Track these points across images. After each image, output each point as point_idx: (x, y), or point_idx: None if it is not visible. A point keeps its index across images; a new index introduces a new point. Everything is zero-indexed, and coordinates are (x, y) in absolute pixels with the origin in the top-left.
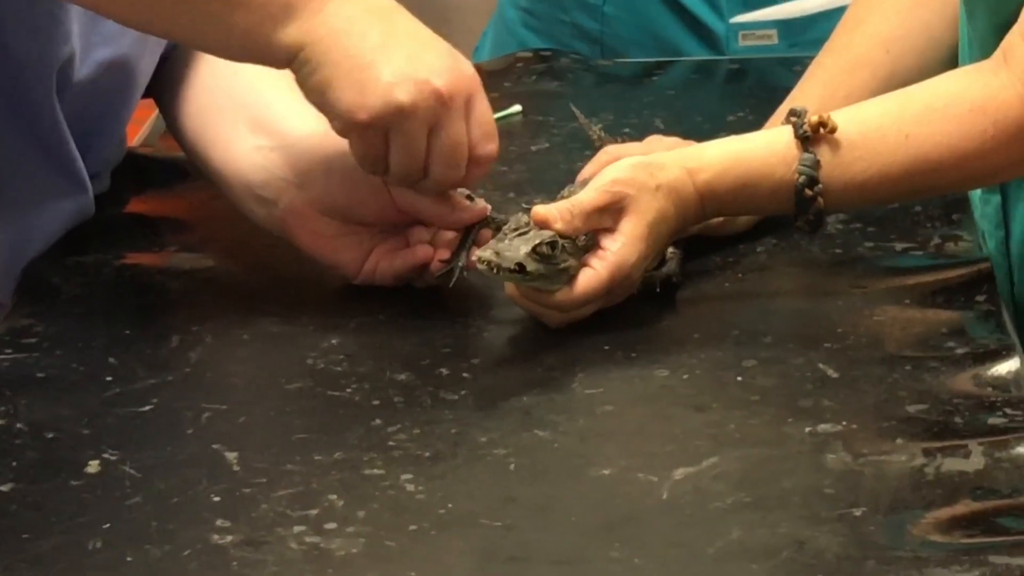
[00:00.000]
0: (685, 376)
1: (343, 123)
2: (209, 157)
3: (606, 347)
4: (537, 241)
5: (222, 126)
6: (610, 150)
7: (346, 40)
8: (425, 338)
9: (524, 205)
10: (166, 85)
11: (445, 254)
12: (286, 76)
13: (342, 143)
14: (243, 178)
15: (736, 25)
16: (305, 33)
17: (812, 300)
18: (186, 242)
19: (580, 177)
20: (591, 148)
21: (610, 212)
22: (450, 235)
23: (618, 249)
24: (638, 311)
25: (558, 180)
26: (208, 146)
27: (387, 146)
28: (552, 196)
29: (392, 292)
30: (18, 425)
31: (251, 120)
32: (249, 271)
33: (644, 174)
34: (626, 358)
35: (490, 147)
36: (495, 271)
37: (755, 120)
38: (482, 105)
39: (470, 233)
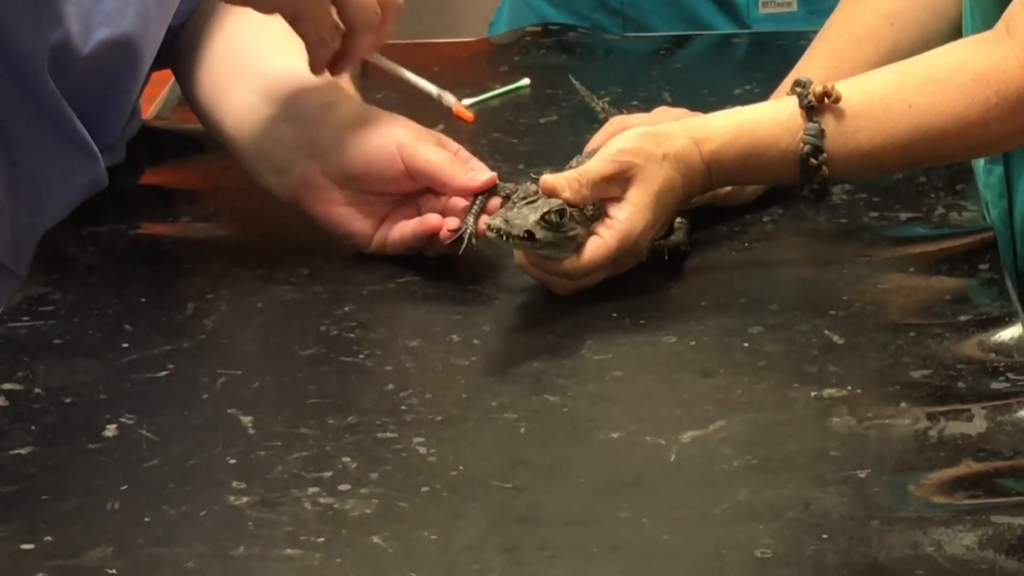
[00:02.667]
0: (692, 343)
1: None
2: (223, 126)
3: (614, 314)
4: (546, 209)
5: (235, 96)
6: (617, 121)
7: None
8: (436, 306)
9: (532, 175)
10: (181, 55)
11: (455, 222)
12: (298, 46)
13: (354, 114)
14: (257, 147)
15: None
16: None
17: (818, 269)
18: (200, 212)
19: (588, 148)
20: (599, 121)
21: (617, 181)
22: (460, 203)
23: (625, 217)
24: (646, 279)
25: (566, 152)
26: (222, 115)
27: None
28: (561, 167)
29: (403, 261)
30: (36, 390)
31: (263, 90)
32: (262, 240)
33: (651, 144)
34: (634, 325)
35: None
36: (505, 238)
37: (761, 93)
38: None
39: (479, 201)
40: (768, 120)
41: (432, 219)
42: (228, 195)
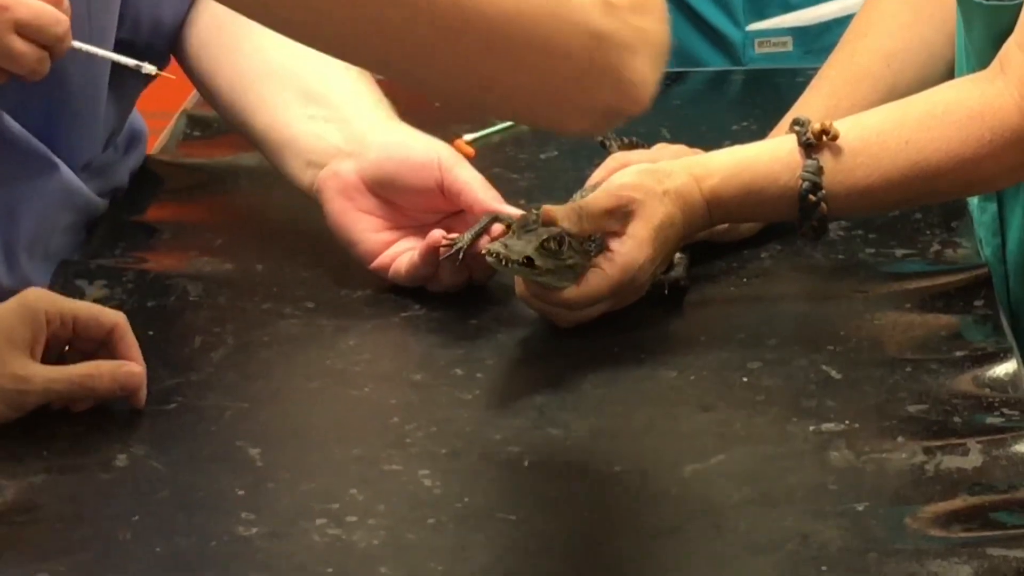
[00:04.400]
0: (692, 377)
1: None
2: (251, 122)
3: (615, 348)
4: (545, 236)
5: (266, 92)
6: (618, 157)
7: None
8: (440, 340)
9: (534, 209)
10: (196, 49)
11: (454, 234)
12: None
13: (398, 121)
14: (293, 143)
15: (752, 33)
16: None
17: (815, 304)
18: (206, 246)
19: (589, 183)
20: (600, 155)
21: (618, 215)
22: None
23: (626, 251)
24: (646, 314)
25: (567, 187)
26: (250, 111)
27: None
28: (561, 202)
29: (407, 294)
30: (48, 421)
31: (301, 90)
32: (268, 275)
33: (652, 180)
34: (635, 359)
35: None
36: (504, 263)
37: (758, 130)
38: None
39: (482, 222)
40: (767, 157)
41: (436, 233)
42: (234, 229)
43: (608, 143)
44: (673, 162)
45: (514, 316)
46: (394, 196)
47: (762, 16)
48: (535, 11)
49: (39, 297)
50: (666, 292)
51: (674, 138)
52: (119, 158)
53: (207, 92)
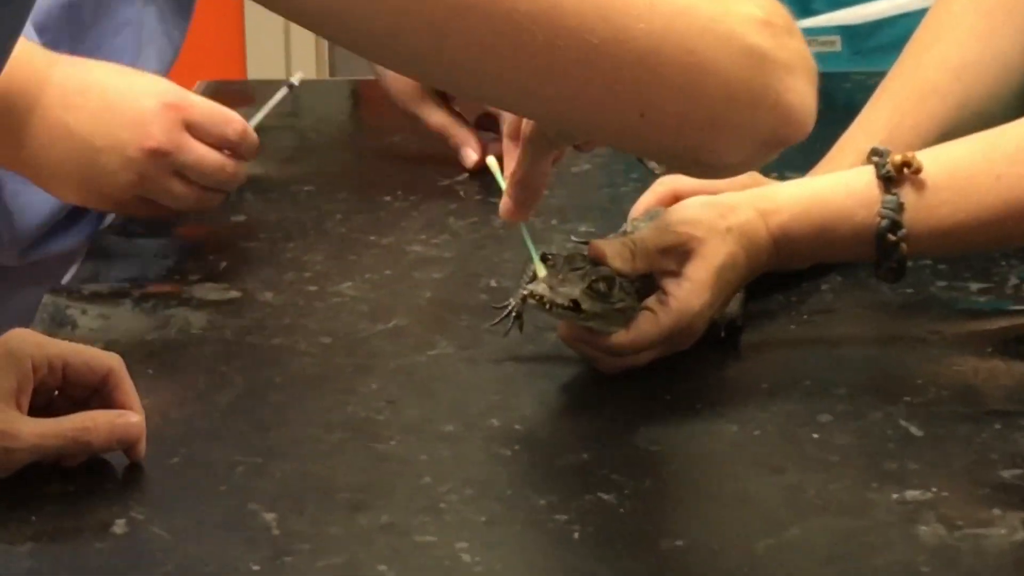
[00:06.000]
0: (756, 432)
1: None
2: None
3: (667, 397)
4: (594, 277)
5: None
6: (666, 181)
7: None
8: (472, 383)
9: (573, 238)
10: None
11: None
12: None
13: None
14: None
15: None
16: None
17: (885, 347)
18: (208, 271)
19: (635, 210)
20: (636, 170)
21: (675, 254)
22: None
23: (682, 295)
24: (699, 358)
25: (601, 205)
26: None
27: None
28: (597, 222)
29: (434, 329)
30: (36, 478)
31: None
32: (279, 304)
33: (714, 214)
34: (690, 410)
35: (231, 128)
36: (548, 307)
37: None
38: (197, 112)
39: (525, 277)
40: (842, 191)
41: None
42: (238, 252)
43: (647, 159)
44: (736, 195)
45: (553, 357)
46: None
47: (808, 12)
48: (687, 28)
49: (23, 340)
50: (722, 335)
51: None
52: None
53: None
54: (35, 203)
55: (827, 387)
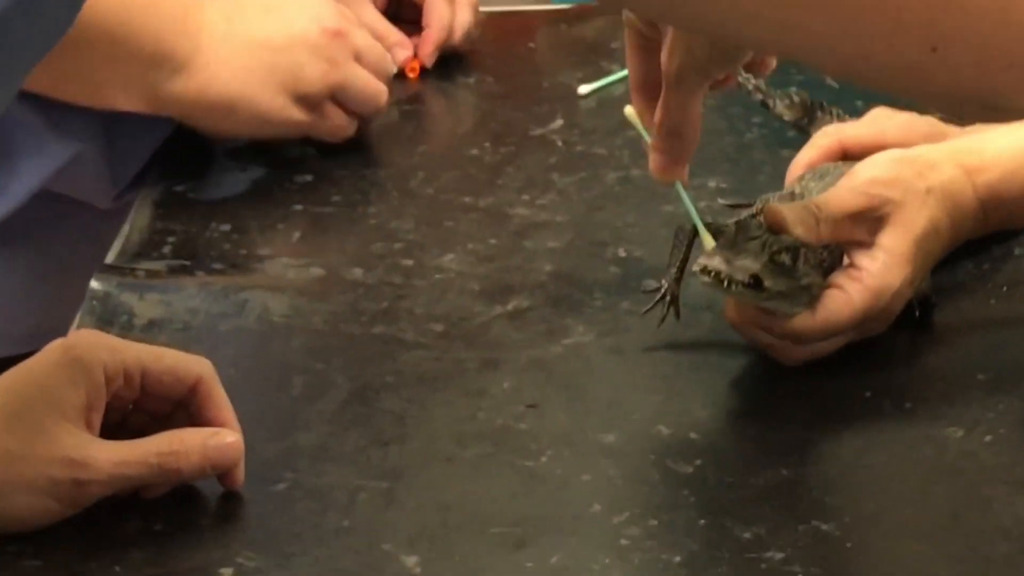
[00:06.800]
0: (988, 438)
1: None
2: None
3: (867, 394)
4: (775, 248)
5: None
6: (829, 131)
7: None
8: (625, 380)
9: (720, 201)
10: None
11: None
12: None
13: None
14: None
15: None
16: None
17: None
18: (280, 243)
19: (795, 166)
20: (757, 111)
21: (866, 221)
22: None
23: (879, 270)
24: (891, 342)
25: (728, 155)
26: None
27: None
28: (727, 176)
29: (567, 311)
30: (111, 514)
31: None
32: (373, 283)
33: (911, 173)
34: (899, 410)
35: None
36: (725, 284)
37: None
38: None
39: (680, 250)
40: None
41: None
42: (311, 220)
43: (771, 101)
44: (934, 148)
45: (717, 345)
46: None
47: None
48: None
49: (94, 345)
50: (917, 314)
51: (869, 103)
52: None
53: None
54: (137, 146)
55: None
